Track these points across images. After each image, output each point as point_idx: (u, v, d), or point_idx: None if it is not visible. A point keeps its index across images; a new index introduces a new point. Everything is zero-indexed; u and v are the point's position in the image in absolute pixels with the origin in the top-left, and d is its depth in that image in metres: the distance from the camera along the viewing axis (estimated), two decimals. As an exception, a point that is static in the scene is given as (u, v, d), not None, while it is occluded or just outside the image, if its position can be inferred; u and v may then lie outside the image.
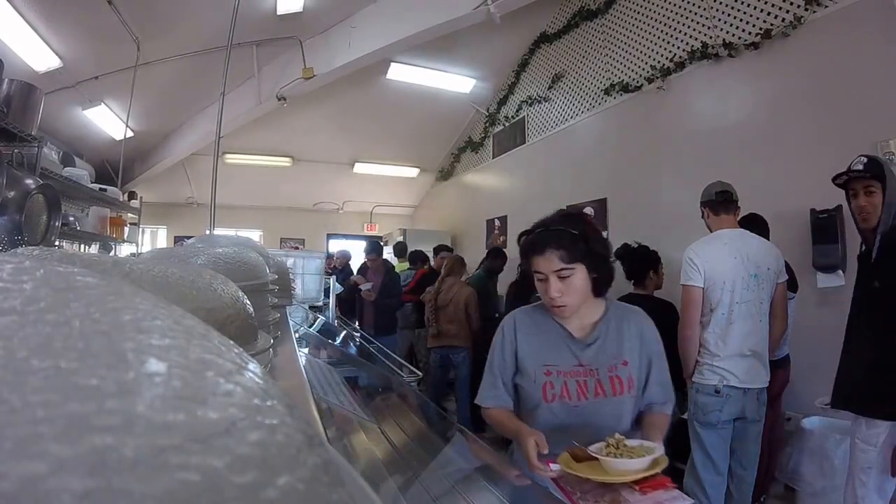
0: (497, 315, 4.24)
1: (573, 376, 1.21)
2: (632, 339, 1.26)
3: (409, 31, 4.69)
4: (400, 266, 5.42)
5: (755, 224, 2.51)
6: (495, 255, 4.63)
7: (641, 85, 4.30)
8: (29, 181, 2.19)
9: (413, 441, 1.19)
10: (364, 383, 1.83)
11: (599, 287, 1.25)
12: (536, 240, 1.22)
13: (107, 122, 5.31)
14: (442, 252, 5.25)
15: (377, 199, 8.80)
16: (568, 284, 1.18)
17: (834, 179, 1.90)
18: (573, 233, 1.18)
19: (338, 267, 5.72)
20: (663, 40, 4.13)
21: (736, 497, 2.15)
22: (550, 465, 1.04)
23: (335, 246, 7.86)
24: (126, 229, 4.17)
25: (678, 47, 3.98)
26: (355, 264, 6.02)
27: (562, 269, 1.18)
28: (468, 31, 4.71)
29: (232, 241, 0.94)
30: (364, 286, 4.48)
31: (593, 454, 1.00)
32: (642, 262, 2.89)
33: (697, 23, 3.83)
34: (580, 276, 1.19)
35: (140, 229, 4.68)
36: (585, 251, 1.18)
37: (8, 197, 2.03)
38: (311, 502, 0.12)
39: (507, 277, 4.47)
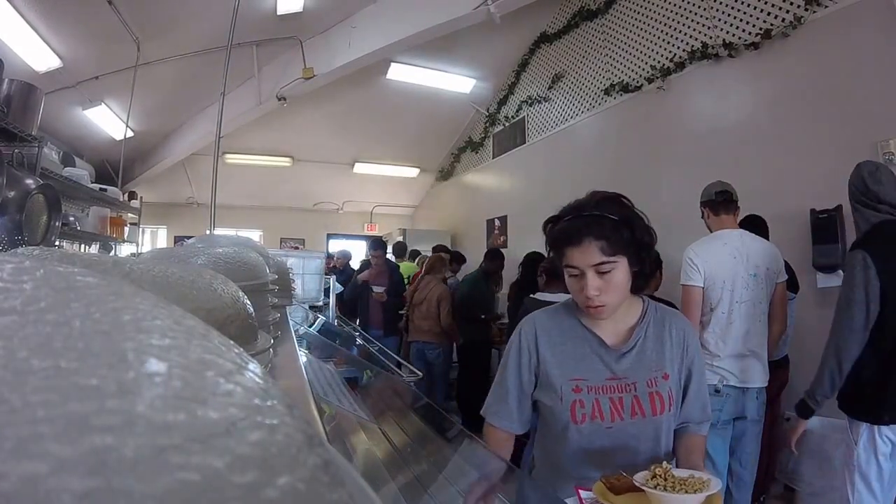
0: (483, 317, 4.23)
1: (606, 392, 1.04)
2: (673, 347, 1.08)
3: (409, 31, 4.70)
4: (407, 266, 5.43)
5: (755, 225, 2.51)
6: (491, 257, 4.64)
7: (641, 85, 4.30)
8: (29, 181, 2.20)
9: (413, 441, 1.19)
10: (364, 383, 1.83)
11: (639, 283, 1.06)
12: (571, 228, 1.02)
13: (107, 122, 5.32)
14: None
15: (377, 199, 8.80)
16: (608, 280, 1.00)
17: None
18: (614, 219, 1.00)
19: (338, 267, 5.71)
20: (663, 40, 4.14)
21: (735, 496, 2.15)
22: (581, 492, 0.92)
23: (335, 246, 7.87)
24: (126, 229, 4.17)
25: (678, 47, 3.98)
26: (355, 264, 6.03)
27: (602, 263, 0.99)
28: (468, 31, 4.72)
29: (232, 241, 0.94)
30: (377, 288, 4.49)
31: (639, 485, 0.86)
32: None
33: (697, 23, 3.83)
34: (622, 270, 1.01)
35: (140, 229, 4.69)
36: (629, 240, 1.00)
37: (8, 197, 2.03)
38: (311, 502, 0.12)
39: (511, 278, 4.47)
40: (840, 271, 2.76)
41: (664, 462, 0.90)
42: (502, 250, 5.02)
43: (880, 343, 1.64)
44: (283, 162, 7.68)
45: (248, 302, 0.49)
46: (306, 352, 1.52)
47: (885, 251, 1.65)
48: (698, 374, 1.10)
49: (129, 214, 4.45)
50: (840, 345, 1.65)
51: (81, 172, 3.40)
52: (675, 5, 4.02)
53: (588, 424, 1.03)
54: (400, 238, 7.04)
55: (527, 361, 1.10)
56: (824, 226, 2.82)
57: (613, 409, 1.03)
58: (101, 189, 3.69)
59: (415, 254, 6.02)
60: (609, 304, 1.02)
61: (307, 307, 2.92)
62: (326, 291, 3.40)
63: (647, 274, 1.07)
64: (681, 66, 3.92)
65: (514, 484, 1.04)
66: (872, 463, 1.66)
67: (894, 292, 1.61)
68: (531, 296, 2.71)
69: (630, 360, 1.06)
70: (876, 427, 1.64)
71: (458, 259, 5.15)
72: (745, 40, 3.41)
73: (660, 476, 0.87)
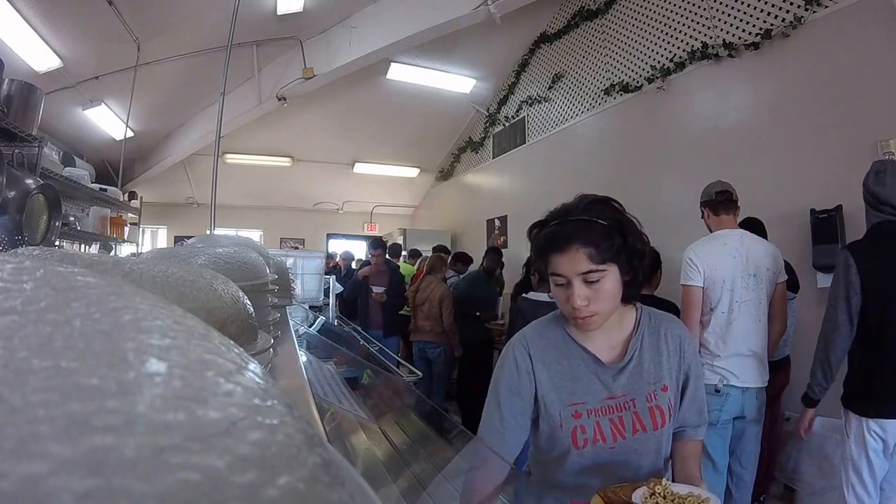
0: (477, 314, 4.22)
1: (605, 413, 0.98)
2: (671, 356, 1.03)
3: (409, 31, 4.70)
4: (403, 268, 5.44)
5: (753, 228, 2.51)
6: (487, 255, 4.64)
7: (641, 85, 4.30)
8: (29, 181, 2.20)
9: (413, 441, 1.19)
10: (364, 383, 1.83)
11: (631, 292, 0.99)
12: (557, 234, 0.94)
13: (107, 122, 5.32)
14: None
15: (377, 199, 8.81)
16: (597, 290, 0.93)
17: None
18: (604, 224, 0.93)
19: (341, 269, 5.71)
20: (663, 40, 4.14)
21: (735, 496, 2.15)
22: None
23: (335, 246, 7.87)
24: (126, 229, 4.17)
25: (678, 47, 3.98)
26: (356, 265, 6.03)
27: (590, 272, 0.92)
28: (468, 31, 4.72)
29: (232, 241, 0.94)
30: (376, 289, 4.49)
31: None
32: (652, 260, 2.84)
33: (697, 23, 3.83)
34: (612, 278, 0.94)
35: (140, 229, 4.69)
36: (620, 247, 0.93)
37: (8, 197, 2.03)
38: (311, 502, 0.12)
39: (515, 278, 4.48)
40: (840, 271, 2.77)
41: (663, 479, 0.87)
42: (502, 250, 5.02)
43: (866, 339, 1.72)
44: (283, 162, 7.68)
45: (248, 302, 0.49)
46: (306, 352, 1.52)
47: (873, 251, 1.72)
48: (695, 378, 1.06)
49: (129, 214, 4.45)
50: (827, 337, 1.77)
51: (81, 172, 3.40)
52: (675, 5, 4.02)
53: (590, 448, 0.98)
54: (400, 238, 7.05)
55: (527, 384, 1.02)
56: (824, 226, 2.81)
57: (614, 429, 0.98)
58: (101, 189, 3.69)
59: (414, 253, 6.02)
60: (598, 314, 0.95)
61: (307, 307, 2.93)
62: (326, 291, 3.40)
63: (640, 283, 1.00)
64: (681, 66, 3.92)
65: (513, 485, 1.04)
66: (863, 458, 1.70)
67: (876, 289, 1.68)
68: (523, 295, 2.71)
69: (627, 375, 1.00)
70: (864, 421, 1.69)
71: (464, 260, 5.14)
72: (745, 40, 3.41)
73: (659, 494, 0.83)
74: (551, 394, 1.00)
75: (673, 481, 0.93)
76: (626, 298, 1.00)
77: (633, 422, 0.98)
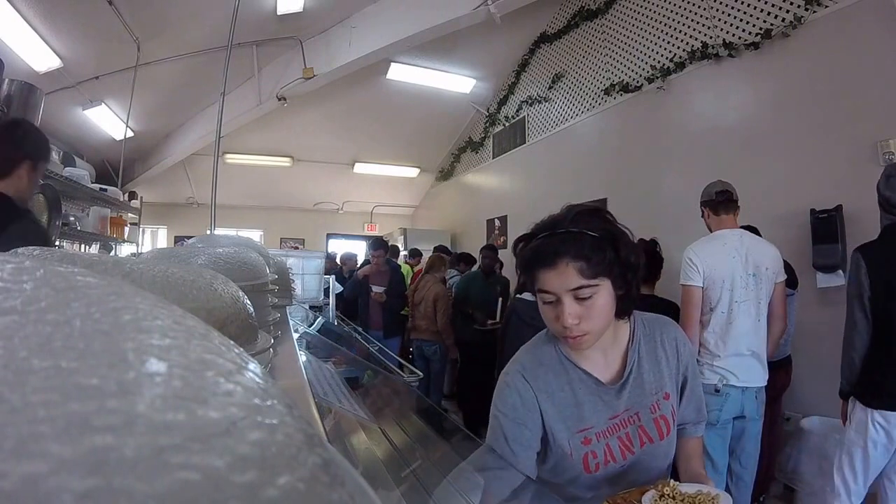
0: (471, 311, 4.20)
1: (613, 433, 0.96)
2: (669, 361, 1.01)
3: (409, 31, 4.70)
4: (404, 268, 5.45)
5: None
6: (481, 253, 4.64)
7: (641, 85, 4.30)
8: (29, 181, 2.19)
9: (414, 441, 1.19)
10: (364, 383, 1.83)
11: (625, 307, 0.94)
12: (544, 247, 0.88)
13: (107, 122, 5.32)
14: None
15: (377, 199, 8.81)
16: (588, 307, 0.87)
17: None
18: (594, 235, 0.87)
19: (344, 270, 5.70)
20: (663, 40, 4.14)
21: (735, 495, 2.15)
22: None
23: (335, 246, 7.87)
24: (126, 229, 4.17)
25: (678, 47, 3.99)
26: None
27: (581, 288, 0.86)
28: (468, 31, 4.72)
29: (232, 241, 0.94)
30: (376, 288, 4.48)
31: None
32: (654, 259, 2.82)
33: (697, 23, 3.84)
34: (604, 294, 0.88)
35: (140, 229, 4.69)
36: (612, 260, 0.87)
37: (8, 197, 2.02)
38: (311, 502, 0.12)
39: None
40: (840, 271, 2.77)
41: (670, 480, 0.86)
42: (502, 250, 5.02)
43: (875, 336, 1.78)
44: (283, 162, 7.68)
45: (248, 302, 0.49)
46: (306, 352, 1.52)
47: (883, 252, 1.77)
48: (692, 376, 1.05)
49: (130, 214, 4.45)
50: (847, 335, 1.85)
51: (81, 172, 3.40)
52: (675, 5, 4.03)
53: (602, 470, 0.95)
54: (401, 238, 7.05)
55: (533, 416, 0.96)
56: (824, 226, 2.82)
57: (623, 447, 0.96)
58: (101, 189, 3.69)
59: (415, 253, 6.02)
60: (592, 331, 0.89)
61: (307, 307, 2.93)
62: (326, 291, 3.40)
63: (635, 297, 0.94)
64: (681, 66, 3.92)
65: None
66: (860, 446, 1.76)
67: (884, 288, 1.74)
68: (518, 296, 2.70)
69: (629, 391, 0.97)
70: (870, 411, 1.74)
71: (467, 260, 5.13)
72: (745, 40, 3.41)
73: (668, 496, 0.81)
74: (558, 424, 0.96)
75: (678, 480, 0.93)
76: (620, 314, 0.95)
77: (640, 435, 0.96)
